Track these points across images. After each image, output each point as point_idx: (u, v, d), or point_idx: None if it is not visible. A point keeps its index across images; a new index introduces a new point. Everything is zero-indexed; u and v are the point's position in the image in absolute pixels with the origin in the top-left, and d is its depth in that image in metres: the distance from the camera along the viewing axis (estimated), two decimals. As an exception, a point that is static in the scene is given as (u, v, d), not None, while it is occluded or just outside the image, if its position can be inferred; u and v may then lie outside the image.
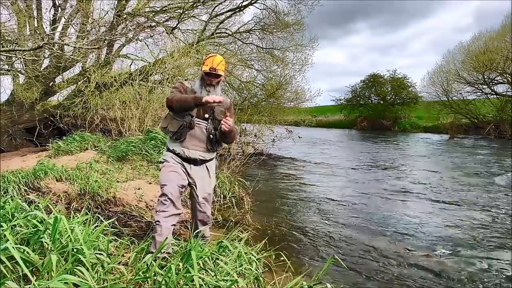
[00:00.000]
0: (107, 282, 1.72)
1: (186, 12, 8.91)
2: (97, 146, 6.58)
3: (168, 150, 2.57)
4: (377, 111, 29.07)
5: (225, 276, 1.91)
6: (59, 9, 8.31)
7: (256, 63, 11.67)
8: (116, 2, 8.51)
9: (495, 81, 21.34)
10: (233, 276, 1.92)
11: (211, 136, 2.51)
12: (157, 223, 2.30)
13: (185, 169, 2.52)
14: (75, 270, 1.66)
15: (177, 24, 8.93)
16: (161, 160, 2.61)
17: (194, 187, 2.56)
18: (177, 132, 2.46)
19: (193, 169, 2.53)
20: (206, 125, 2.51)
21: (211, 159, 2.63)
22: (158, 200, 2.40)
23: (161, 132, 5.94)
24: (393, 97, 29.13)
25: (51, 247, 1.78)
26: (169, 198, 2.34)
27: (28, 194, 3.71)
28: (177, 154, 2.51)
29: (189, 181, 2.55)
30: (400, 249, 3.40)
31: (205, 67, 2.47)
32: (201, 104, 2.28)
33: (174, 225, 2.44)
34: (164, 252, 2.19)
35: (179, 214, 2.44)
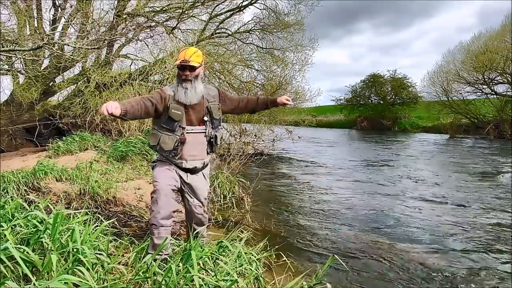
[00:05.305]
0: (107, 282, 1.72)
1: (186, 12, 8.90)
2: (97, 146, 6.58)
3: (162, 156, 2.39)
4: (377, 111, 29.05)
5: (225, 276, 1.91)
6: (59, 9, 8.31)
7: (256, 63, 11.70)
8: (116, 2, 8.51)
9: (495, 81, 21.33)
10: (233, 276, 1.92)
11: (212, 139, 2.41)
12: (153, 226, 2.21)
13: (181, 176, 2.40)
14: (75, 270, 1.66)
15: (176, 24, 8.91)
16: (154, 160, 2.49)
17: (189, 193, 2.45)
18: (173, 149, 2.28)
19: (190, 177, 2.42)
20: (205, 129, 2.37)
21: (207, 165, 2.53)
22: (152, 197, 2.26)
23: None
24: (393, 97, 29.11)
25: (51, 247, 1.78)
26: (163, 195, 2.22)
27: (28, 194, 3.70)
28: (174, 164, 2.37)
29: (182, 187, 2.43)
30: (401, 249, 3.40)
31: (177, 62, 2.21)
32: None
33: (173, 222, 2.36)
34: (163, 254, 2.17)
35: (175, 210, 2.33)
